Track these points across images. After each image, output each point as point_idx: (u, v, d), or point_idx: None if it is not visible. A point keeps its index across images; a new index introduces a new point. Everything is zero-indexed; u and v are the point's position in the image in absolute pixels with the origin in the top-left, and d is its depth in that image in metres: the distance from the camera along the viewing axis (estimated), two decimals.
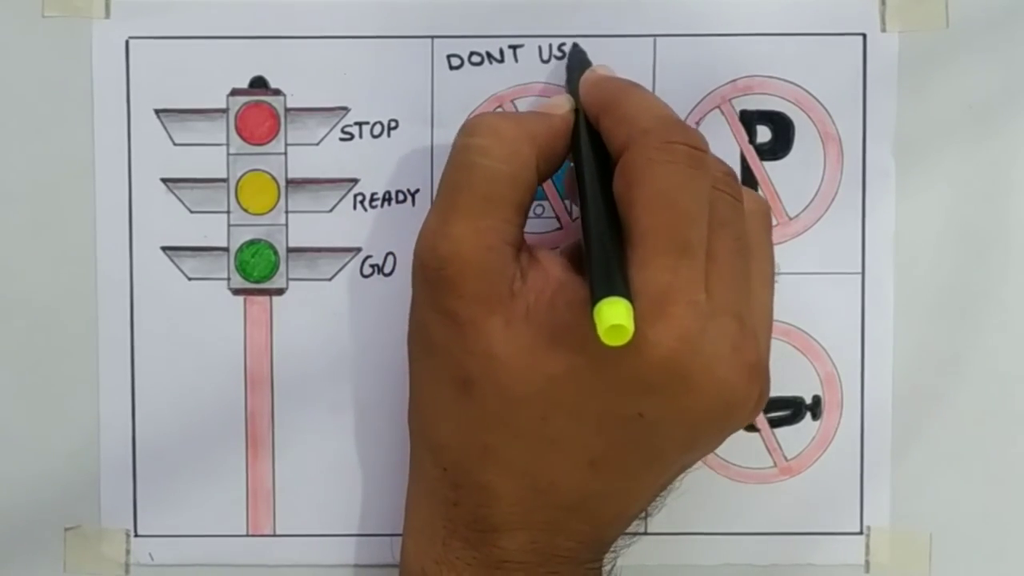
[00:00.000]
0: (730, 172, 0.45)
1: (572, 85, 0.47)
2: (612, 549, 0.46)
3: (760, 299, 0.44)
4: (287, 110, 0.50)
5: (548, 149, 0.45)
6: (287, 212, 0.50)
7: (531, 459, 0.43)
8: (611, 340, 0.39)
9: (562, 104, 0.46)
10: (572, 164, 0.46)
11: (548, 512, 0.43)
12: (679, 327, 0.41)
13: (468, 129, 0.45)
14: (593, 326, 0.39)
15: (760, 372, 0.43)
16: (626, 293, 0.40)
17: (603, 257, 0.41)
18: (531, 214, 0.49)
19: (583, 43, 0.49)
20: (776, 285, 0.46)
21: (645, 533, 0.49)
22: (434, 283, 0.43)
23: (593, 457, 0.43)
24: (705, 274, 0.42)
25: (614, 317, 0.39)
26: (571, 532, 0.44)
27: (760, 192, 0.50)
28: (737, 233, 0.43)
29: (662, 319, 0.41)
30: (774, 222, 0.50)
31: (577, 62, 0.48)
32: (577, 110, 0.46)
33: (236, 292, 0.50)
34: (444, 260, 0.43)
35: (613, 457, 0.43)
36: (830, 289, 0.50)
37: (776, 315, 0.49)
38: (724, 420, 0.43)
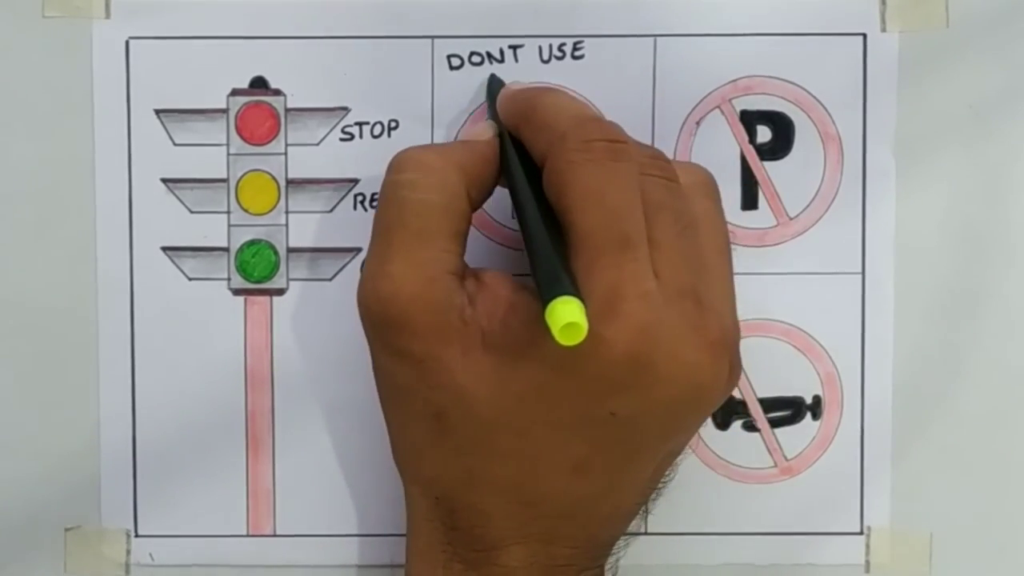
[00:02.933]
0: (657, 155, 0.44)
1: (493, 111, 0.47)
2: (613, 551, 0.46)
3: (717, 272, 0.44)
4: (287, 110, 0.50)
5: (476, 176, 0.44)
6: (287, 212, 0.50)
7: (515, 475, 0.43)
8: (566, 340, 0.38)
9: (485, 131, 0.46)
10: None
11: (541, 523, 0.43)
12: (634, 321, 0.41)
13: (394, 166, 0.44)
14: (547, 330, 0.39)
15: (726, 346, 0.43)
16: (574, 291, 0.39)
17: (546, 260, 0.41)
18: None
19: (583, 43, 0.49)
20: (734, 253, 0.46)
21: (645, 533, 0.49)
22: (382, 326, 0.43)
23: (575, 462, 0.43)
24: (652, 261, 0.42)
25: (566, 316, 0.38)
26: (566, 539, 0.44)
27: (761, 193, 0.50)
28: (677, 213, 0.43)
29: (615, 316, 0.41)
30: (774, 222, 0.50)
31: (496, 88, 0.48)
32: (502, 133, 0.46)
33: (236, 292, 0.50)
34: (387, 300, 0.42)
35: (595, 459, 0.43)
36: (830, 289, 0.50)
37: (776, 315, 0.49)
38: (697, 402, 0.43)
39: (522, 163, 0.44)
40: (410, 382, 0.43)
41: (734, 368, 0.43)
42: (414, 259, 0.43)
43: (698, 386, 0.42)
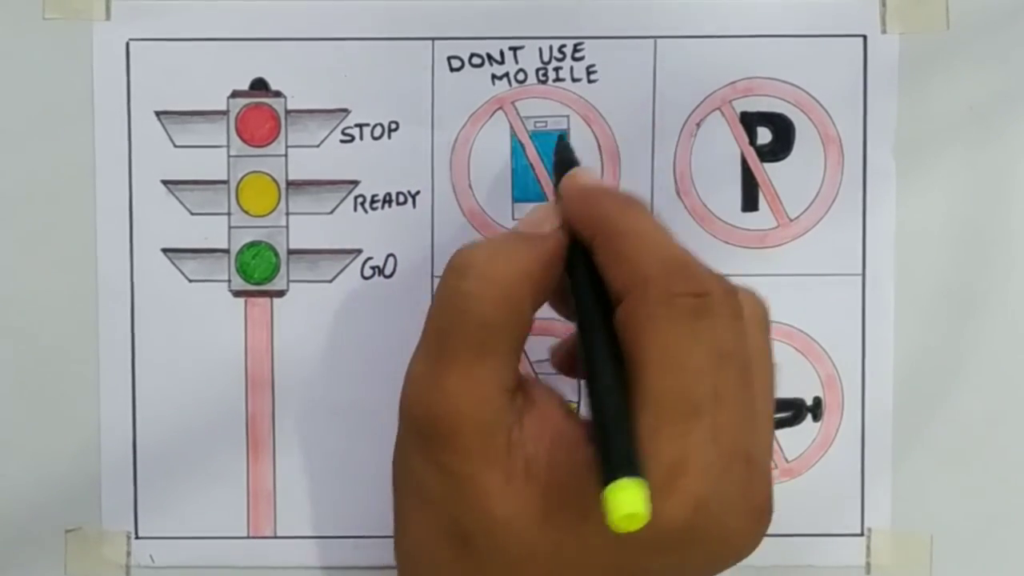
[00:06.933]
0: (730, 291, 0.41)
1: (558, 179, 0.45)
2: None
3: (763, 419, 0.42)
4: (287, 112, 0.50)
5: (542, 282, 0.42)
6: (288, 214, 0.50)
7: None
8: (624, 526, 0.36)
9: (546, 218, 0.43)
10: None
11: None
12: (692, 495, 0.39)
13: (458, 269, 0.41)
14: (603, 507, 0.37)
15: (767, 510, 0.42)
16: (639, 472, 0.37)
17: (615, 428, 0.38)
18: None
19: (583, 44, 0.49)
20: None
21: None
22: (427, 437, 0.41)
23: None
24: (714, 421, 0.40)
25: (628, 504, 0.36)
26: None
27: (761, 194, 0.50)
28: (742, 362, 0.41)
29: (675, 491, 0.39)
30: (775, 223, 0.50)
31: (564, 159, 0.47)
32: (571, 245, 0.43)
33: (237, 294, 0.50)
34: (438, 416, 0.40)
35: None
36: (830, 290, 0.50)
37: (777, 317, 0.49)
38: (728, 562, 0.42)
39: (588, 275, 0.42)
40: (442, 495, 0.41)
41: (767, 526, 0.42)
42: (471, 374, 0.40)
43: (735, 550, 0.41)
